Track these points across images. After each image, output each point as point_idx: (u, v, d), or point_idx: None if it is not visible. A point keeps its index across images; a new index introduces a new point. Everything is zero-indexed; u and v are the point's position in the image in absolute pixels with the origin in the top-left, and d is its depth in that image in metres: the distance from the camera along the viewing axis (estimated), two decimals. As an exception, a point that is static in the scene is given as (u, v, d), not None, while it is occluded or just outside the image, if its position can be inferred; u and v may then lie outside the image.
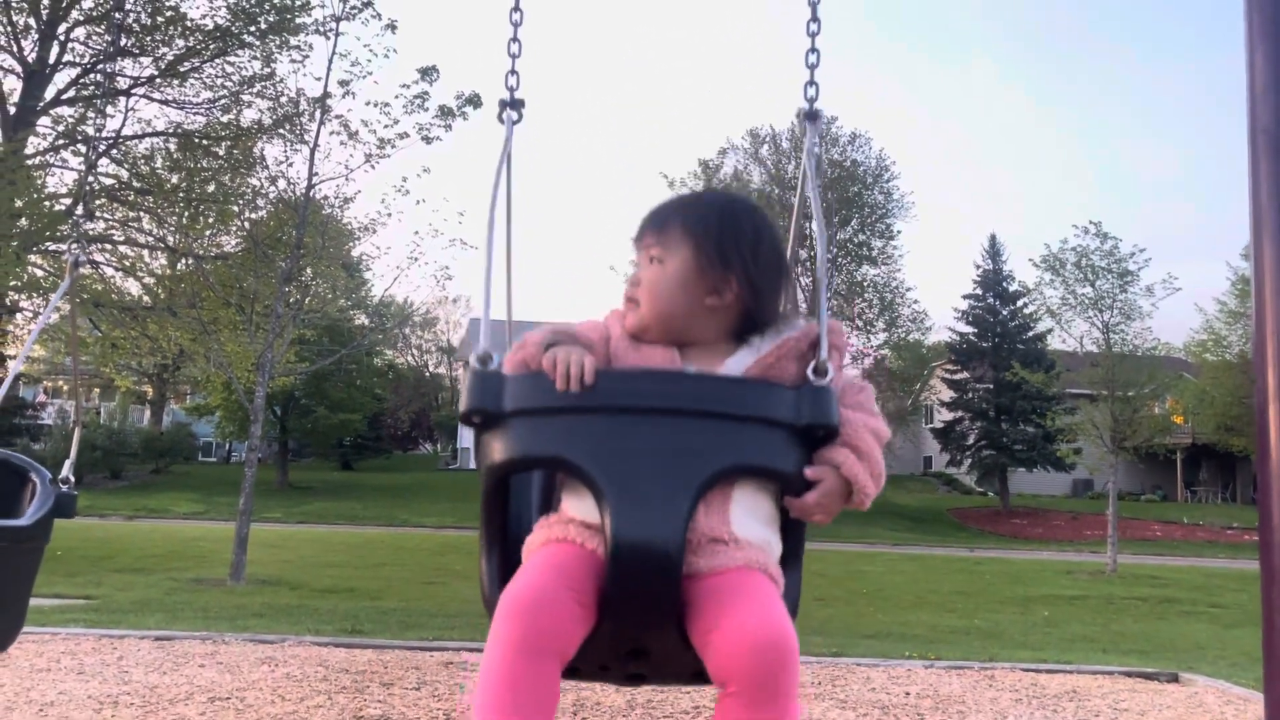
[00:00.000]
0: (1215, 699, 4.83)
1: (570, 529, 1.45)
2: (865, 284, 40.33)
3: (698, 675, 1.42)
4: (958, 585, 16.27)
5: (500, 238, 1.72)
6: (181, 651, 5.08)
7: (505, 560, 1.55)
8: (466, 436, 46.69)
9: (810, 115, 1.91)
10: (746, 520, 1.44)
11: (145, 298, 16.92)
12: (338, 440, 41.21)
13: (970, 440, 39.92)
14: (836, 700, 4.36)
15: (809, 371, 1.49)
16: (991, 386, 38.86)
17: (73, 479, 2.63)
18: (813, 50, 1.89)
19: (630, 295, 1.57)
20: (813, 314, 1.65)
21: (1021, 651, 7.36)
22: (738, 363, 1.54)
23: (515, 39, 1.95)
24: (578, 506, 1.46)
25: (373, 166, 13.83)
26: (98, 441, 34.29)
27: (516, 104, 1.88)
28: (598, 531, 1.38)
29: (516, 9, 1.97)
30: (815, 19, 1.93)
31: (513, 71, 1.92)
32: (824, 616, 10.59)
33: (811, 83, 1.88)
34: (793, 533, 1.54)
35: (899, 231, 38.99)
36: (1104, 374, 20.35)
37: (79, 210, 15.01)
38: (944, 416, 42.24)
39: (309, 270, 14.84)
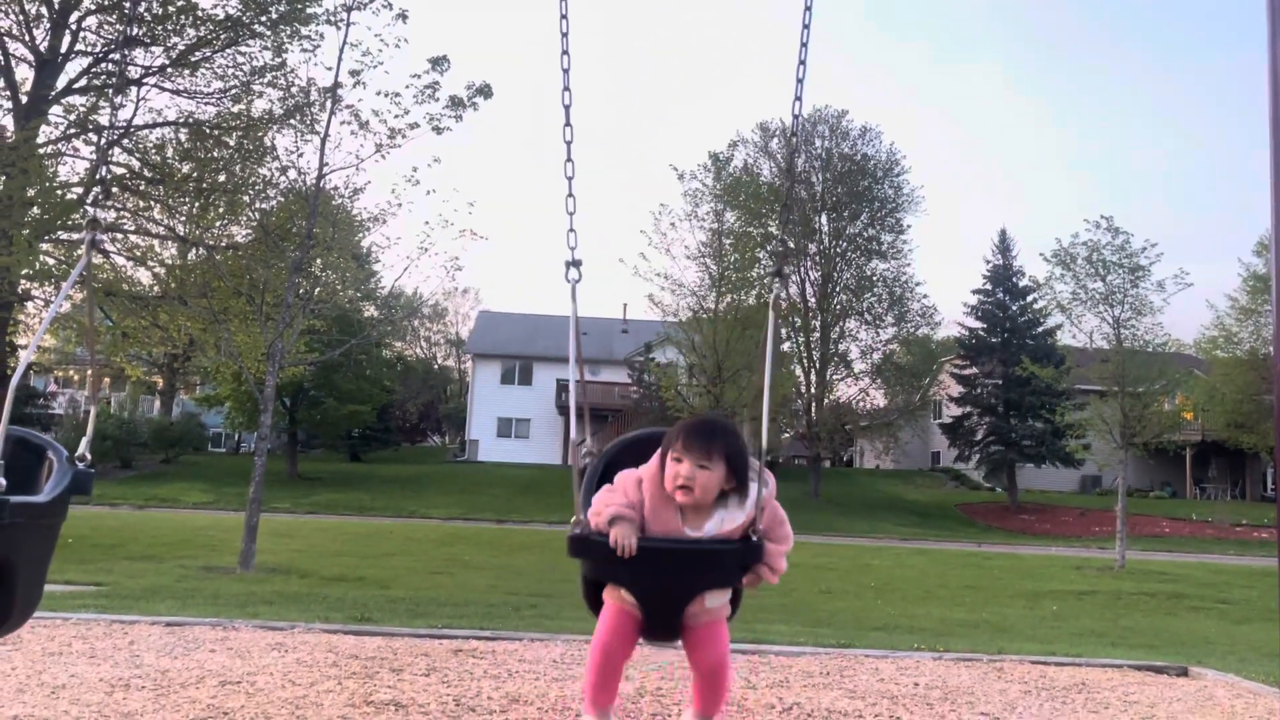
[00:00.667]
0: (1226, 692, 4.81)
1: (625, 603, 2.59)
2: (874, 278, 40.25)
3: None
4: (966, 580, 16.25)
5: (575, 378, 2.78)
6: (192, 637, 5.10)
7: (594, 592, 2.70)
8: (475, 428, 46.76)
9: (778, 272, 3.14)
10: (712, 598, 2.58)
11: (156, 287, 16.97)
12: (346, 431, 41.28)
13: (979, 436, 39.81)
14: (845, 690, 4.36)
15: (750, 531, 2.53)
16: (1000, 382, 38.74)
17: (89, 457, 2.64)
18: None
19: (686, 484, 2.52)
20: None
21: (1030, 645, 7.33)
22: (714, 525, 2.54)
23: (571, 194, 2.34)
24: (629, 595, 2.57)
25: (383, 157, 13.84)
26: (108, 431, 34.44)
27: (577, 263, 2.55)
28: (639, 608, 2.57)
29: (569, 158, 2.35)
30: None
31: (571, 230, 2.37)
32: (832, 609, 10.59)
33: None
34: (736, 592, 2.68)
35: (909, 226, 38.86)
36: (1114, 369, 20.29)
37: (90, 200, 15.05)
38: (952, 412, 42.13)
39: (319, 261, 14.86)
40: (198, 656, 4.48)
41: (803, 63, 2.51)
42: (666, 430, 2.66)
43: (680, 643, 2.64)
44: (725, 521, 2.56)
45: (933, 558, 20.59)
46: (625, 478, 2.59)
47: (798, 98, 2.71)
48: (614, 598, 2.61)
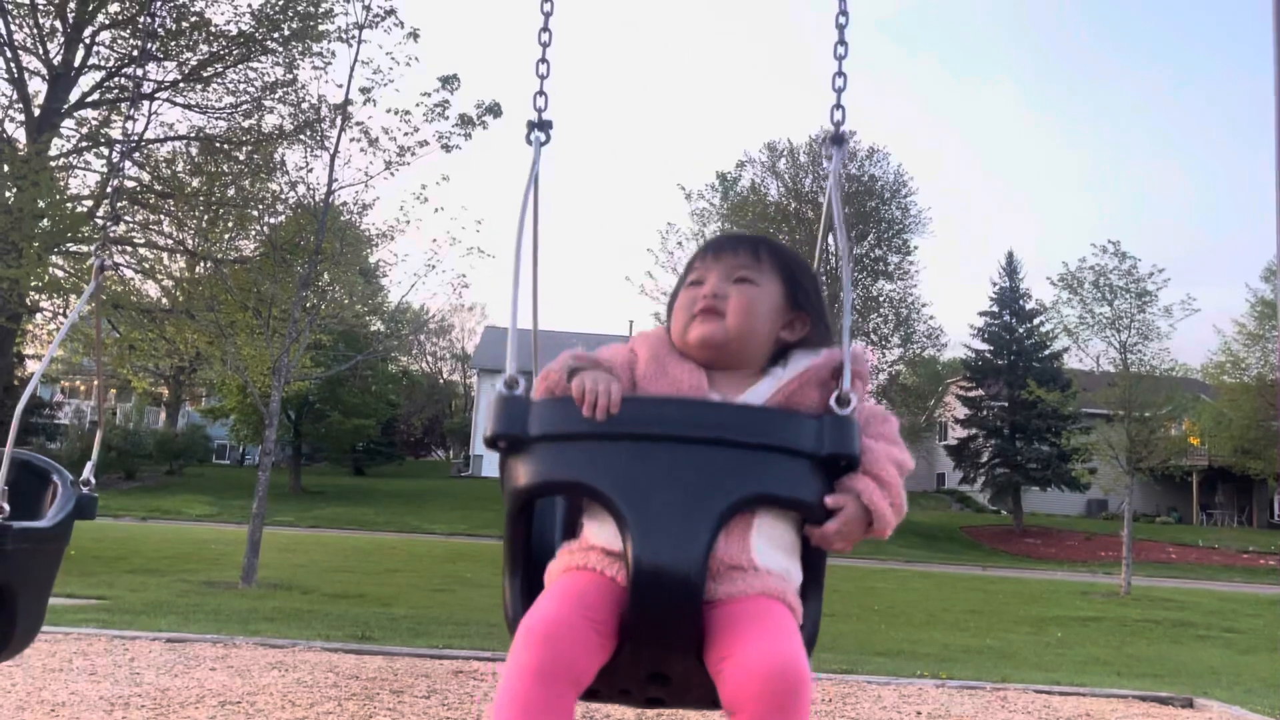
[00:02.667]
0: (1231, 726, 4.78)
1: (591, 556, 1.46)
2: (881, 299, 40.26)
3: (718, 701, 1.38)
4: (970, 604, 16.16)
5: (526, 258, 1.69)
6: (193, 654, 5.09)
7: (529, 582, 1.56)
8: (480, 444, 46.76)
9: (836, 139, 1.87)
10: (767, 548, 1.44)
11: (164, 300, 17.03)
12: (351, 445, 41.32)
13: (984, 458, 39.70)
14: (847, 718, 4.33)
15: (831, 401, 1.46)
16: (1006, 404, 38.65)
17: (94, 481, 2.64)
18: (840, 74, 1.87)
19: (712, 307, 1.54)
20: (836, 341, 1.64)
21: (1034, 673, 7.29)
22: (761, 390, 1.53)
23: (544, 59, 1.93)
24: (599, 533, 1.47)
25: (392, 174, 13.91)
26: (113, 442, 34.51)
27: (544, 125, 1.85)
28: (619, 558, 1.40)
29: (545, 28, 1.94)
30: (843, 41, 1.93)
31: (541, 93, 1.90)
32: (835, 633, 10.53)
33: (838, 106, 1.88)
34: (813, 561, 1.53)
35: (916, 247, 38.88)
36: (1121, 394, 20.22)
37: (101, 213, 15.13)
38: (958, 434, 42.04)
39: (326, 276, 14.91)
40: (198, 675, 4.47)
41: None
42: None
43: (700, 660, 1.37)
44: (784, 377, 1.53)
45: (937, 581, 20.49)
46: (607, 345, 1.62)
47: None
48: (570, 554, 1.49)
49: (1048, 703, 5.10)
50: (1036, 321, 38.46)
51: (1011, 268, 41.30)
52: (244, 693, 4.09)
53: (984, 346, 40.83)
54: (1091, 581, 22.60)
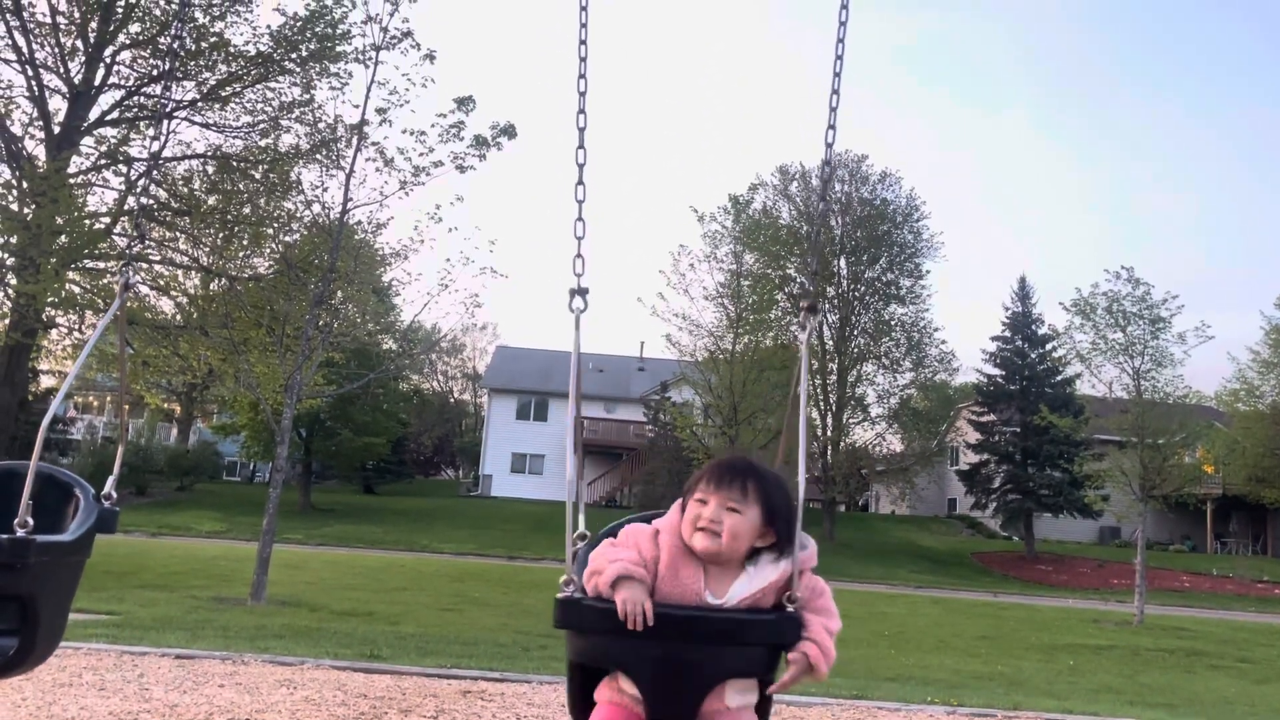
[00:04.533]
0: (1245, 757, 4.73)
1: (625, 698, 2.04)
2: (893, 323, 40.20)
3: None
4: (981, 630, 16.04)
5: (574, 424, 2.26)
6: (202, 670, 5.09)
7: (583, 686, 2.13)
8: (490, 463, 46.74)
9: (811, 308, 2.32)
10: (735, 694, 2.04)
11: (178, 316, 17.13)
12: (361, 463, 41.37)
13: (996, 483, 39.47)
14: (857, 744, 4.30)
15: (785, 599, 2.04)
16: (1018, 430, 38.46)
17: (115, 495, 2.66)
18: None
19: (710, 528, 2.06)
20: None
21: (1046, 700, 7.23)
22: (739, 590, 2.05)
23: (580, 218, 2.14)
24: (629, 684, 2.04)
25: (407, 194, 13.99)
26: (125, 458, 34.51)
27: (584, 291, 2.17)
28: (641, 703, 1.99)
29: (580, 181, 2.17)
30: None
31: (579, 255, 2.14)
32: (845, 658, 10.45)
33: (814, 274, 2.29)
34: (765, 684, 2.11)
35: (928, 271, 38.86)
36: (1134, 420, 20.11)
37: (121, 229, 15.26)
38: (970, 459, 41.83)
39: (340, 294, 14.99)
40: (206, 691, 4.47)
41: (836, 92, 2.27)
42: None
43: None
44: (754, 581, 2.07)
45: (947, 606, 20.35)
46: (636, 530, 2.13)
47: (831, 126, 2.40)
48: (610, 694, 2.09)
49: (1059, 731, 5.06)
50: (1049, 347, 38.35)
51: (1024, 292, 41.22)
52: (252, 710, 4.09)
53: (996, 371, 40.68)
54: (1104, 609, 22.41)
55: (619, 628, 1.93)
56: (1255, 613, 25.34)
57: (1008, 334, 40.83)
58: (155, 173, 15.73)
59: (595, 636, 2.02)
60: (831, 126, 2.37)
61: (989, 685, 8.72)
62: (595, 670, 2.12)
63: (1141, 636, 16.28)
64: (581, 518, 2.08)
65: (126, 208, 15.45)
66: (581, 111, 2.33)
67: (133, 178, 15.94)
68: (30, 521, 2.33)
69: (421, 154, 13.80)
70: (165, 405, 41.85)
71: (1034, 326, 40.30)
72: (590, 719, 2.07)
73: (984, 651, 13.07)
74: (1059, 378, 37.62)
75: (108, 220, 15.76)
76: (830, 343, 39.05)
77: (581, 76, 2.34)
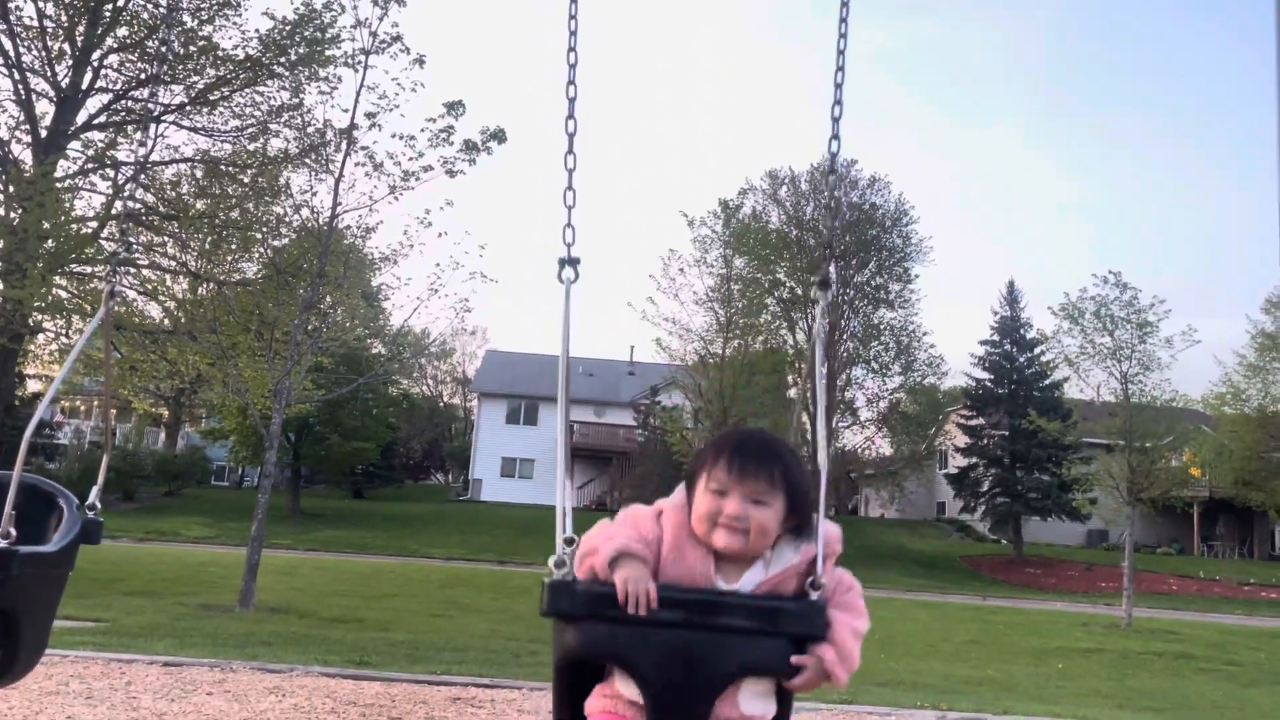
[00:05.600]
0: (1234, 761, 4.74)
1: (620, 704, 1.80)
2: (882, 327, 40.32)
3: None
4: (971, 634, 16.07)
5: (563, 399, 2.00)
6: (190, 678, 5.06)
7: (572, 695, 1.88)
8: (479, 468, 46.65)
9: (823, 282, 2.13)
10: (750, 699, 1.80)
11: (166, 321, 17.05)
12: (350, 468, 41.24)
13: (984, 487, 39.57)
14: (848, 750, 4.30)
15: (807, 585, 1.81)
16: (1007, 434, 38.58)
17: (99, 505, 2.64)
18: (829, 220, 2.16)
19: (735, 526, 1.82)
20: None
21: (1035, 704, 7.25)
22: (754, 576, 1.84)
23: (570, 187, 2.06)
24: (627, 687, 1.79)
25: (396, 198, 13.95)
26: (112, 463, 34.22)
27: (574, 261, 1.98)
28: (641, 710, 1.75)
29: (570, 150, 2.08)
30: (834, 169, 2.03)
31: (569, 225, 2.04)
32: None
33: (828, 255, 2.22)
34: (784, 695, 1.87)
35: (917, 275, 39.02)
36: (1121, 424, 20.19)
37: (108, 234, 15.18)
38: (958, 462, 41.94)
39: (329, 298, 14.94)
40: (195, 700, 4.45)
41: (839, 103, 2.20)
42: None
43: None
44: (773, 565, 1.83)
45: (937, 611, 20.38)
46: (635, 510, 1.89)
47: (835, 136, 2.24)
48: (603, 702, 1.82)
49: (1049, 736, 5.07)
50: (1037, 351, 38.49)
51: (1013, 297, 41.36)
52: (240, 718, 4.07)
53: (984, 375, 40.81)
54: (1092, 613, 22.47)
55: (618, 613, 1.71)
56: (1243, 615, 25.45)
57: (996, 338, 40.96)
58: (143, 177, 15.74)
59: (589, 625, 1.76)
60: (835, 136, 2.26)
61: (979, 690, 8.74)
62: (586, 677, 1.88)
63: (1130, 639, 16.33)
64: (569, 520, 1.90)
65: (114, 212, 15.36)
66: (572, 83, 2.22)
67: (120, 182, 15.86)
68: (13, 532, 2.30)
69: (411, 159, 13.77)
70: (153, 410, 41.66)
71: (1022, 331, 40.43)
72: None
73: (974, 655, 13.10)
74: (1047, 381, 37.75)
75: (95, 225, 15.68)
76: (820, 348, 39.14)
77: (572, 50, 2.23)
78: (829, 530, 1.85)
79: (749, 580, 1.82)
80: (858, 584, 1.90)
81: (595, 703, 1.83)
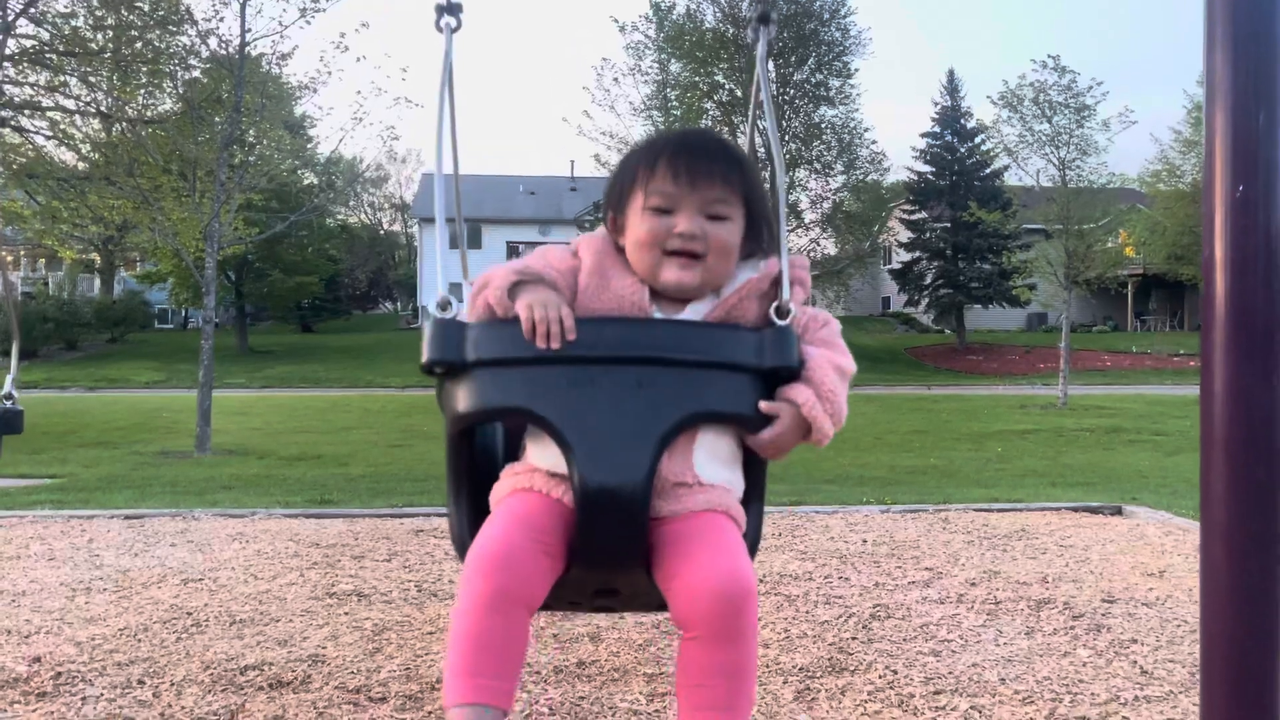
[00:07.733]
0: (1156, 530, 5.06)
1: (536, 479, 1.45)
2: (823, 125, 39.73)
3: (663, 605, 1.43)
4: (915, 424, 16.73)
5: (447, 149, 1.62)
6: (152, 530, 5.12)
7: (475, 503, 1.55)
8: (426, 294, 46.36)
9: (763, 16, 1.76)
10: (709, 462, 1.45)
11: (82, 165, 16.30)
12: (296, 303, 40.84)
13: (928, 280, 40.35)
14: (797, 551, 4.52)
15: (771, 311, 1.47)
16: (949, 226, 39.03)
17: (16, 395, 2.59)
18: None
19: (693, 250, 1.45)
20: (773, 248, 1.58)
21: (975, 490, 7.63)
22: (702, 306, 1.50)
23: None
24: (543, 456, 1.45)
25: (309, 22, 13.20)
26: (49, 313, 33.67)
27: (454, 9, 1.67)
28: (564, 480, 1.39)
29: None
30: None
31: None
32: (785, 462, 10.86)
33: None
34: (755, 469, 1.55)
35: (856, 70, 38.15)
36: (1059, 210, 20.47)
37: (2, 75, 14.27)
38: (902, 257, 42.51)
39: (251, 132, 14.32)
40: (158, 552, 4.51)
41: None
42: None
43: (648, 573, 1.41)
44: (722, 300, 1.49)
45: (883, 403, 21.11)
46: (547, 246, 1.55)
47: None
48: (516, 475, 1.47)
49: (986, 520, 5.35)
50: (978, 140, 38.42)
51: (953, 86, 40.90)
52: (205, 569, 4.15)
53: (926, 168, 40.85)
54: (1031, 394, 23.42)
55: (525, 352, 1.36)
56: (1171, 384, 26.72)
57: (937, 129, 40.76)
58: (31, 9, 14.67)
59: (487, 374, 1.39)
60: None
61: (922, 479, 9.16)
62: (487, 463, 1.57)
63: (1064, 418, 17.14)
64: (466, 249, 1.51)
65: (8, 52, 14.38)
66: None
67: (9, 19, 14.77)
68: None
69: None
70: (83, 256, 40.49)
71: (963, 120, 40.23)
72: (489, 527, 1.39)
73: (918, 445, 13.68)
74: (988, 171, 37.91)
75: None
76: (761, 150, 38.66)
77: None
78: (794, 258, 1.53)
79: (695, 311, 1.49)
80: (836, 321, 1.57)
81: (503, 484, 1.49)
